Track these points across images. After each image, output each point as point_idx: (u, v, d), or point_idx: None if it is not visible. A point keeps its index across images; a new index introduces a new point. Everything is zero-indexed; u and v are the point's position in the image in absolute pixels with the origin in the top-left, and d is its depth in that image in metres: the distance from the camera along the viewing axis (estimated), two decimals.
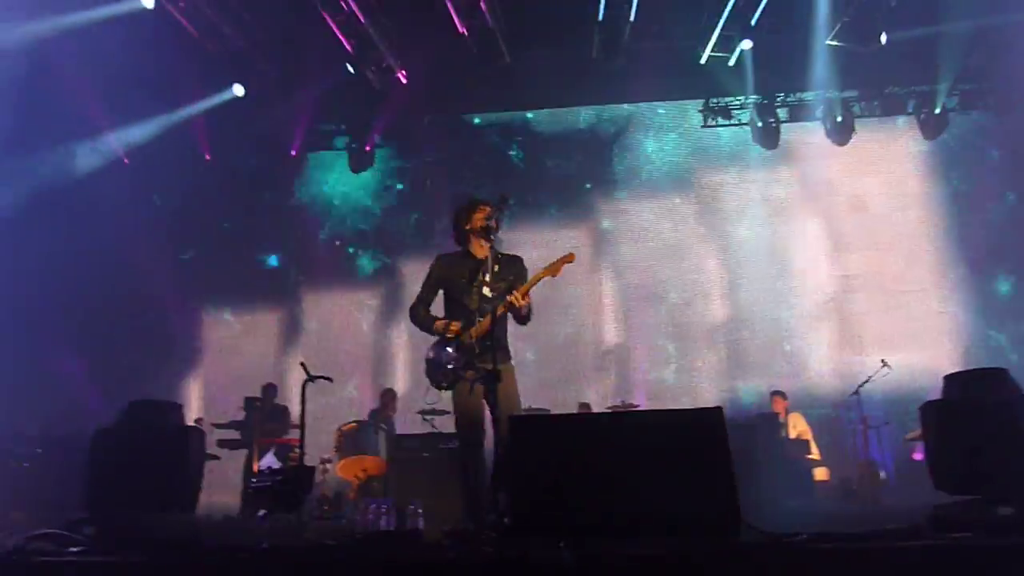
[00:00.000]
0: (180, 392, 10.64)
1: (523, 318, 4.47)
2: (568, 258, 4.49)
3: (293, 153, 11.27)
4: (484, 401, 4.39)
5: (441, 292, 4.74)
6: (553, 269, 4.44)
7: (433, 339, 4.62)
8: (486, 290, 4.49)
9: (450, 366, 4.44)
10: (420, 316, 4.68)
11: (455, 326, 4.46)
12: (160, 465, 3.93)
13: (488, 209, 4.59)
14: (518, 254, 4.80)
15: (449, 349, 4.46)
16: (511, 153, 11.38)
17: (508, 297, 4.33)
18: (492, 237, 4.42)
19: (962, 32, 9.24)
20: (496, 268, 4.55)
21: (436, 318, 4.60)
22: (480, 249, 4.65)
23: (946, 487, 4.00)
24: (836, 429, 9.15)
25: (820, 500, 7.38)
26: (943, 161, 10.45)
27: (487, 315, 4.33)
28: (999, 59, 9.52)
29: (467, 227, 4.66)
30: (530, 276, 4.52)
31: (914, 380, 9.26)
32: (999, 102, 10.14)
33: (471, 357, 4.39)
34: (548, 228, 10.80)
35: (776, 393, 8.74)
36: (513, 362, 4.63)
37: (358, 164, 11.30)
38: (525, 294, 4.35)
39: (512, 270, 4.63)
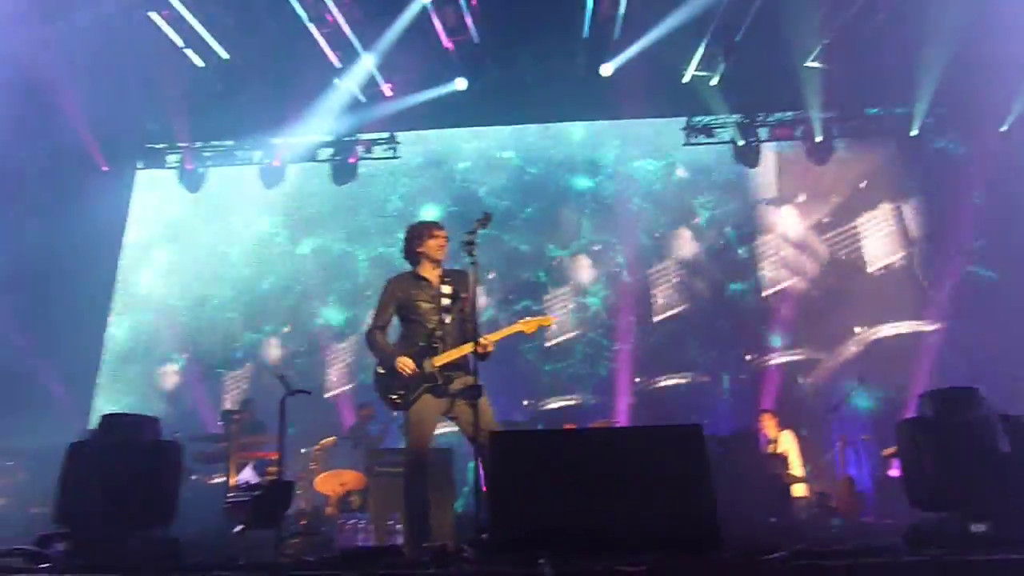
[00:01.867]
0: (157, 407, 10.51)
1: (483, 359, 4.49)
2: (545, 321, 4.75)
3: (275, 164, 11.22)
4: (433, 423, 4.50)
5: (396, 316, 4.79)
6: (528, 326, 4.64)
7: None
8: (444, 315, 4.63)
9: (401, 391, 4.51)
10: (379, 344, 4.69)
11: (411, 370, 4.48)
12: (135, 480, 3.87)
13: (442, 237, 4.74)
14: (463, 268, 4.82)
15: (411, 380, 4.53)
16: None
17: (477, 344, 4.38)
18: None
19: (938, 57, 9.43)
20: (449, 289, 4.69)
21: (396, 352, 4.60)
22: (431, 270, 4.76)
23: (921, 504, 4.04)
24: (815, 446, 9.21)
25: (799, 517, 7.40)
26: (910, 182, 10.62)
27: (446, 347, 4.52)
28: (973, 82, 9.70)
29: (419, 249, 4.74)
30: (507, 328, 4.66)
31: (892, 398, 9.37)
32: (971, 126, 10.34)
33: (431, 383, 4.49)
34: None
35: (765, 411, 8.76)
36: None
37: (341, 177, 11.27)
38: (494, 342, 4.46)
39: (463, 285, 4.71)
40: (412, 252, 4.78)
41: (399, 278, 4.79)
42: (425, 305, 4.61)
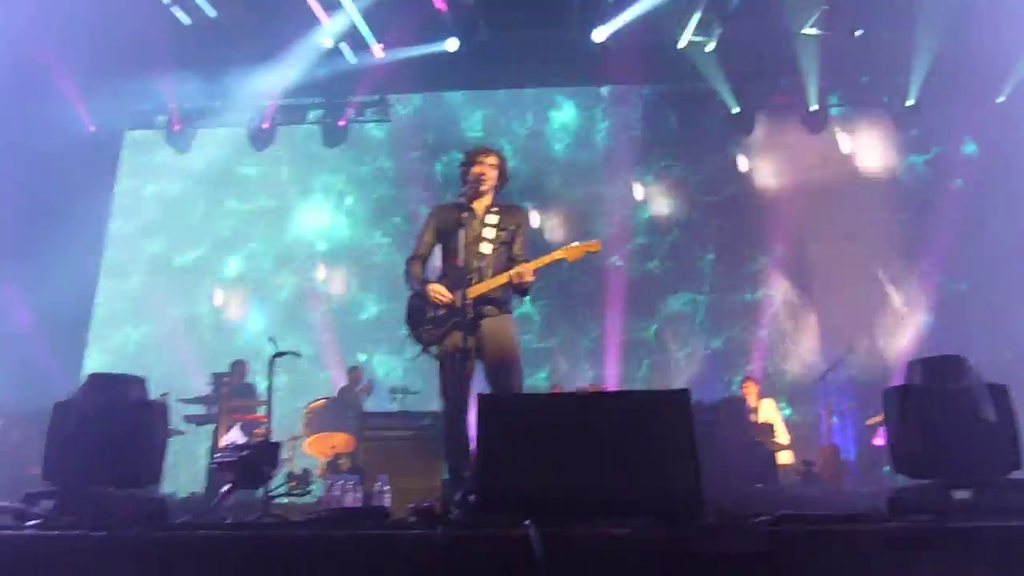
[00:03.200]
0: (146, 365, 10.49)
1: (524, 291, 4.21)
2: (592, 247, 4.24)
3: (265, 126, 11.06)
4: (468, 366, 4.09)
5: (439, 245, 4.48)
6: (571, 253, 4.22)
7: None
8: (483, 246, 4.26)
9: (429, 326, 4.21)
10: (414, 274, 4.39)
11: (446, 297, 4.17)
12: (121, 439, 3.85)
13: (486, 164, 4.37)
14: (517, 204, 4.61)
15: (441, 311, 4.21)
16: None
17: (512, 271, 4.09)
18: (481, 191, 4.26)
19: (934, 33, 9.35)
20: (495, 219, 4.34)
21: (429, 280, 4.31)
22: (478, 200, 4.41)
23: (906, 471, 4.07)
24: (801, 414, 9.30)
25: (783, 483, 7.49)
26: (914, 154, 10.54)
27: (483, 280, 4.15)
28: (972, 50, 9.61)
29: (466, 177, 4.42)
30: (548, 253, 4.22)
31: (879, 366, 9.45)
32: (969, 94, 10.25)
33: (460, 318, 4.09)
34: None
35: (748, 378, 8.82)
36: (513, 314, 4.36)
37: (332, 139, 11.12)
38: (534, 271, 4.11)
39: (512, 221, 4.38)
40: (462, 179, 4.44)
41: (443, 206, 4.48)
42: (466, 235, 4.19)
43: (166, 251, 11.49)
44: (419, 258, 4.44)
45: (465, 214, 4.28)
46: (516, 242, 4.36)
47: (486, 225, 4.32)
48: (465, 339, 4.05)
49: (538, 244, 4.87)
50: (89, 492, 3.76)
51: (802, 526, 2.73)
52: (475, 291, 4.13)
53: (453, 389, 4.15)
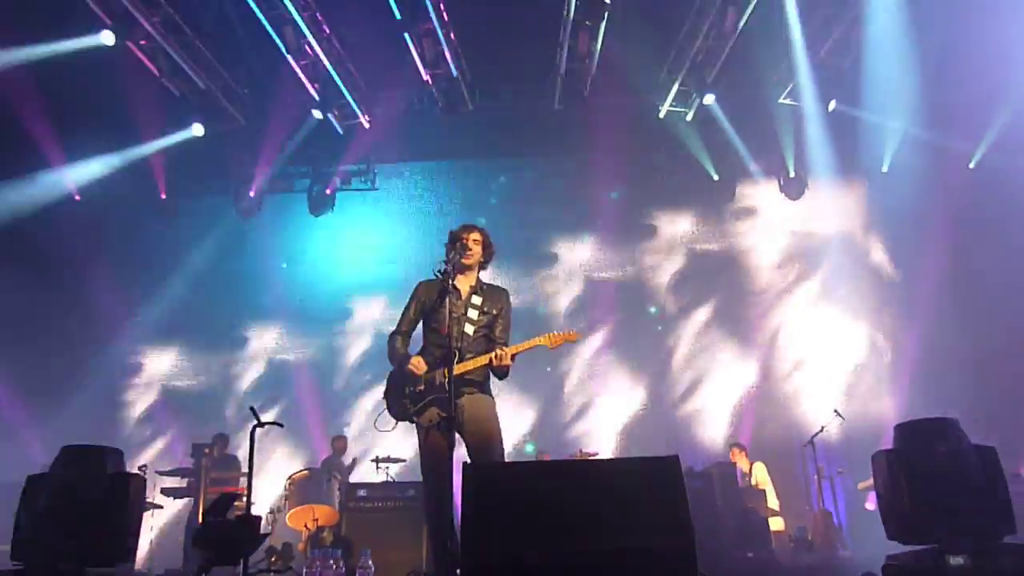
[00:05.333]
0: (125, 438, 10.28)
1: (502, 374, 4.27)
2: (571, 336, 4.36)
3: (252, 194, 11.15)
4: (450, 441, 4.02)
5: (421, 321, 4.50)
6: (552, 340, 4.30)
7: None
8: (467, 326, 4.31)
9: (407, 401, 4.24)
10: (396, 348, 4.41)
11: (419, 369, 4.22)
12: (95, 515, 3.72)
13: (470, 240, 4.42)
14: (503, 286, 4.63)
15: (420, 387, 4.22)
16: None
17: (492, 354, 4.16)
18: (465, 264, 4.31)
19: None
20: (479, 301, 4.40)
21: (409, 356, 4.33)
22: (463, 279, 4.45)
23: (898, 537, 4.01)
24: (791, 479, 9.18)
25: (777, 551, 7.34)
26: (893, 214, 10.69)
27: (465, 360, 4.18)
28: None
29: (450, 255, 4.40)
30: (527, 340, 4.30)
31: (867, 430, 9.40)
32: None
33: (439, 395, 4.12)
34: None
35: (735, 445, 8.76)
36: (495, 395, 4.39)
37: (318, 207, 11.21)
38: (513, 355, 4.18)
39: (496, 304, 4.44)
40: (447, 254, 4.42)
41: (429, 282, 4.46)
42: (449, 314, 4.19)
43: None
44: (402, 334, 4.47)
45: (450, 292, 4.29)
46: (498, 325, 4.42)
47: (470, 306, 4.37)
48: (444, 415, 4.04)
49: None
50: (57, 571, 3.61)
51: None
52: (456, 370, 4.11)
53: (434, 465, 4.11)
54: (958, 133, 10.15)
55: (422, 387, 4.21)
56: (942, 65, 9.19)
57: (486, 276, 4.64)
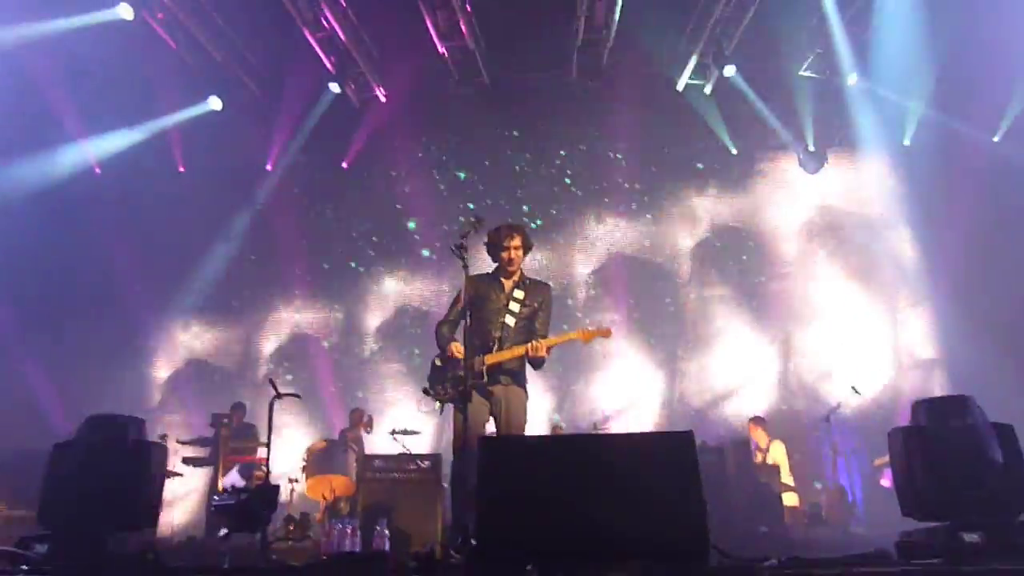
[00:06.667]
0: (147, 408, 10.44)
1: (537, 365, 4.61)
2: (604, 333, 4.71)
3: (269, 168, 11.18)
4: (482, 420, 4.50)
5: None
6: (586, 336, 4.64)
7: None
8: (508, 317, 4.64)
9: (448, 385, 4.59)
10: (442, 334, 4.77)
11: (459, 353, 4.49)
12: (118, 482, 3.81)
13: (513, 248, 4.71)
14: (546, 281, 5.02)
15: (459, 372, 4.47)
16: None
17: (528, 345, 4.50)
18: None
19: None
20: (521, 295, 4.70)
21: (455, 339, 4.68)
22: (507, 275, 4.79)
23: (913, 513, 4.01)
24: (806, 455, 9.18)
25: (790, 526, 7.38)
26: (913, 190, 10.53)
27: (503, 349, 4.53)
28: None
29: (494, 258, 4.80)
30: (562, 333, 4.77)
31: (884, 406, 9.37)
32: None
33: (477, 380, 4.46)
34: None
35: (753, 419, 8.71)
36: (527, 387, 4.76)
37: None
38: (548, 348, 4.52)
39: (537, 297, 4.75)
40: (491, 256, 4.84)
41: (476, 276, 4.76)
42: (492, 306, 4.64)
43: None
44: (449, 323, 4.80)
45: (495, 286, 4.74)
46: (539, 317, 4.74)
47: (512, 299, 4.71)
48: (480, 399, 4.46)
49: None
50: (83, 535, 3.70)
51: (809, 570, 2.69)
52: (492, 358, 4.53)
53: (465, 444, 4.30)
54: (982, 107, 9.94)
55: (462, 372, 4.42)
56: (963, 42, 9.00)
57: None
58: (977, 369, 8.83)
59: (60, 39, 8.89)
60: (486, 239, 4.83)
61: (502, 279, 4.78)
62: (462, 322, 4.54)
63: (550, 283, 5.01)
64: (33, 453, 4.62)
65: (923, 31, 8.87)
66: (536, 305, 4.73)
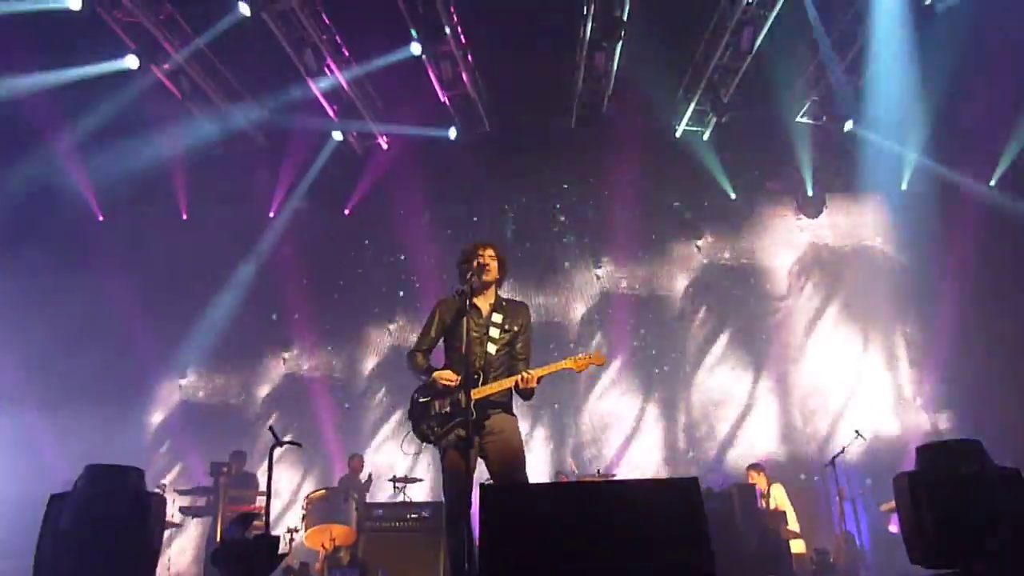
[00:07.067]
0: (146, 457, 10.34)
1: (527, 396, 4.22)
2: (597, 359, 4.32)
3: (271, 214, 11.27)
4: (469, 463, 3.92)
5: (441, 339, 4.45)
6: (578, 364, 4.26)
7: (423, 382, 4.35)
8: (490, 345, 4.27)
9: (433, 423, 4.19)
10: (418, 363, 4.36)
11: (454, 381, 4.15)
12: (116, 532, 3.76)
13: (486, 256, 4.35)
14: (523, 300, 4.63)
15: (445, 409, 4.18)
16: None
17: (518, 376, 4.14)
18: (485, 281, 4.27)
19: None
20: (499, 318, 4.34)
21: (434, 368, 4.28)
22: (482, 296, 4.40)
23: (921, 561, 3.95)
24: (811, 500, 9.07)
25: (798, 573, 7.25)
26: (911, 233, 10.59)
27: (487, 380, 4.17)
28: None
29: (468, 274, 4.28)
30: (554, 363, 4.27)
31: (888, 450, 9.28)
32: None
33: (464, 416, 3.99)
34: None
35: (752, 466, 8.63)
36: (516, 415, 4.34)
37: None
38: (539, 378, 4.14)
39: (517, 320, 4.39)
40: (462, 275, 4.33)
41: (448, 300, 4.41)
42: (470, 334, 4.08)
43: None
44: (423, 351, 4.40)
45: (472, 312, 4.22)
46: (519, 341, 4.37)
47: (492, 324, 4.32)
48: (469, 437, 3.91)
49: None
50: None
51: None
52: (480, 392, 4.11)
53: (455, 486, 4.05)
54: (976, 154, 10.08)
55: (448, 409, 4.17)
56: (956, 89, 9.17)
57: (503, 292, 4.60)
58: (982, 408, 8.79)
59: (65, 87, 9.06)
60: (458, 258, 4.45)
61: (478, 303, 4.34)
62: (437, 349, 4.24)
63: (526, 303, 4.57)
64: (27, 498, 4.56)
65: (917, 78, 9.03)
66: (516, 329, 4.35)
